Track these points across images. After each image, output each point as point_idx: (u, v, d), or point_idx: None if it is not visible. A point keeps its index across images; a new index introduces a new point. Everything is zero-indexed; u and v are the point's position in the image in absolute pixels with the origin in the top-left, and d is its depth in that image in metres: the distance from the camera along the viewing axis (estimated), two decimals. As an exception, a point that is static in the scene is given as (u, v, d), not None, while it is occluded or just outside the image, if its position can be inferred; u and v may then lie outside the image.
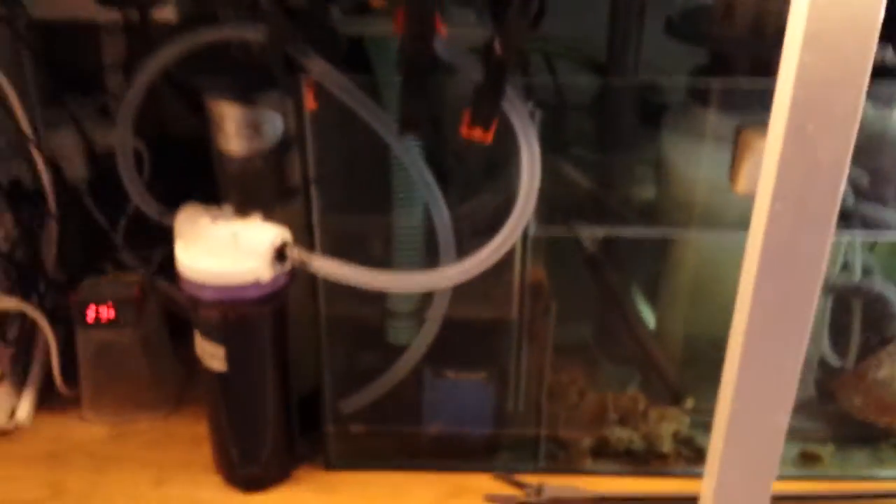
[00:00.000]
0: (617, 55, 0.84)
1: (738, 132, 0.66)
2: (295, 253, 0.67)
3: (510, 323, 0.74)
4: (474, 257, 0.64)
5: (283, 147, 0.74)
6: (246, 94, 0.70)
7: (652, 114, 0.85)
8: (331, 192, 0.70)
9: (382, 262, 0.74)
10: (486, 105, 0.60)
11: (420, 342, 0.73)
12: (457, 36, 0.65)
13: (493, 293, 0.72)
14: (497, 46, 0.58)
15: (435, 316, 0.73)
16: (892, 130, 0.92)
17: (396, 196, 0.74)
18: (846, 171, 0.55)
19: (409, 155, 0.66)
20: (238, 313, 0.69)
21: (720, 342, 0.65)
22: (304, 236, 0.70)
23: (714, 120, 0.78)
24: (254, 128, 0.71)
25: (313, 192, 0.69)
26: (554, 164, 0.84)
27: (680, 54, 0.83)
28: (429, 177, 0.67)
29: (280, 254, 0.67)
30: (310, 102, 0.67)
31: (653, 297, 0.90)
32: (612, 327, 0.88)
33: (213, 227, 0.68)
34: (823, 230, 0.56)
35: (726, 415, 0.63)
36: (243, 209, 0.71)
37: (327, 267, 0.67)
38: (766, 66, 0.78)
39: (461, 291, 0.72)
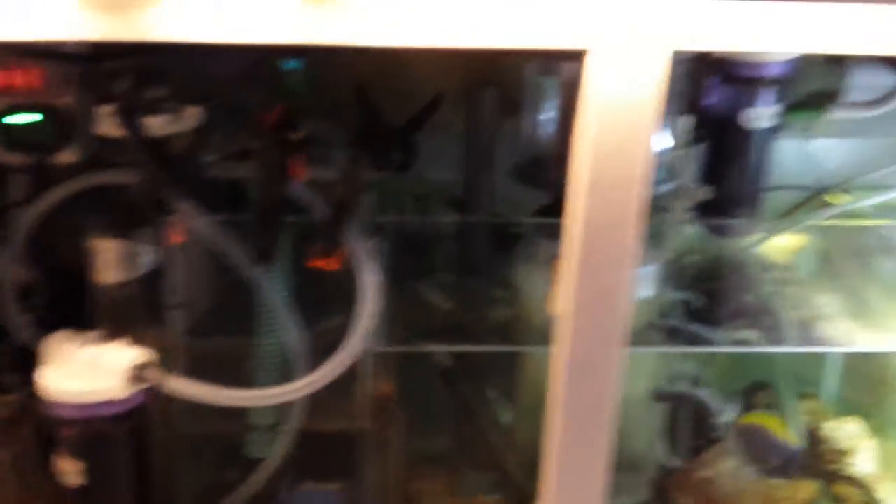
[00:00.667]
0: (471, 194, 0.93)
1: (553, 262, 0.74)
2: (152, 373, 0.72)
3: (361, 434, 0.79)
4: (316, 373, 0.71)
5: (155, 276, 0.79)
6: (121, 230, 0.76)
7: (506, 244, 0.94)
8: (196, 316, 0.76)
9: (248, 379, 0.79)
10: (328, 239, 0.68)
11: (274, 455, 0.78)
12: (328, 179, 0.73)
13: (344, 406, 0.78)
14: (339, 191, 0.67)
15: (288, 429, 0.78)
16: (725, 259, 1.04)
17: (256, 319, 0.80)
18: (627, 294, 0.63)
19: (263, 283, 0.73)
20: (96, 430, 0.73)
21: None
22: (165, 358, 0.75)
23: (553, 250, 0.88)
24: (126, 260, 0.77)
25: (175, 316, 0.74)
26: (416, 288, 0.92)
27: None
28: (279, 302, 0.73)
29: (138, 374, 0.72)
30: (176, 237, 0.73)
31: (508, 407, 0.96)
32: (469, 436, 0.94)
33: (77, 350, 0.73)
34: (613, 345, 0.65)
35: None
36: (112, 334, 0.76)
37: (181, 386, 0.72)
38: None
39: (316, 404, 0.77)
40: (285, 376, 0.77)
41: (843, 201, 1.09)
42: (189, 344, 0.76)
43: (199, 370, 0.75)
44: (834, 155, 1.12)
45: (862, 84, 1.08)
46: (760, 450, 0.90)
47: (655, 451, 0.93)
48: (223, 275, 0.77)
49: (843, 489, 0.89)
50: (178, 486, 0.80)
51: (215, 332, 0.79)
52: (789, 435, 0.93)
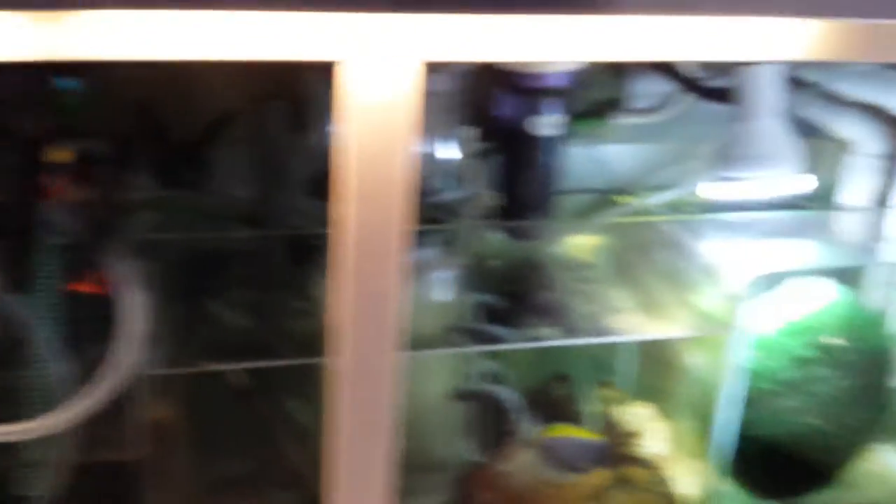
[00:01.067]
0: (265, 209, 0.93)
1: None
2: None
3: (139, 464, 0.77)
4: (78, 402, 0.68)
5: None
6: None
7: (306, 257, 0.94)
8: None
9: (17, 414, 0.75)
10: (86, 261, 0.66)
11: (45, 491, 0.75)
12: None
13: (119, 435, 0.75)
14: (94, 208, 0.64)
15: (58, 462, 0.74)
16: (524, 260, 1.09)
17: (21, 348, 0.76)
18: (397, 299, 0.65)
19: (19, 311, 0.70)
20: None
21: None
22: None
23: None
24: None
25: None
26: (210, 307, 0.91)
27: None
28: (41, 330, 0.70)
29: None
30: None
31: (312, 423, 0.96)
32: (272, 456, 0.93)
33: None
34: (387, 350, 0.66)
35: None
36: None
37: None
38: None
39: (90, 435, 0.74)
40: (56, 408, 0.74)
41: (630, 202, 1.17)
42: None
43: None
44: (622, 159, 1.20)
45: (643, 92, 1.17)
46: (572, 456, 0.95)
47: (458, 450, 0.96)
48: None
49: (633, 472, 0.94)
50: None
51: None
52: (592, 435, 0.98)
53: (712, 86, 1.03)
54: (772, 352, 0.91)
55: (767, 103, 0.92)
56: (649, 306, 1.01)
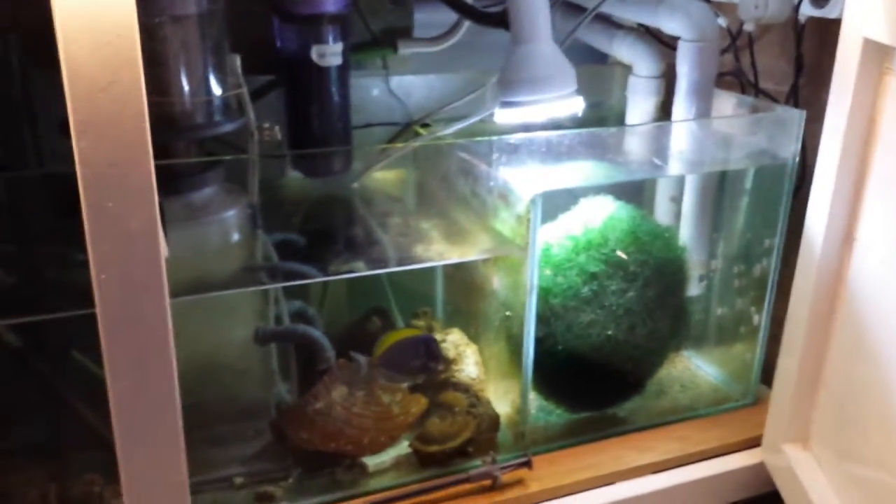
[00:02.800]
0: (13, 153, 0.84)
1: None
2: None
3: None
4: None
5: None
6: None
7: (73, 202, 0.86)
8: None
9: None
10: None
11: None
12: None
13: None
14: None
15: None
16: (326, 197, 1.06)
17: None
18: (157, 236, 0.61)
19: None
20: None
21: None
22: None
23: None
24: None
25: None
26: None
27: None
28: None
29: None
30: None
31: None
32: (65, 416, 0.87)
33: None
34: (153, 291, 0.62)
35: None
36: None
37: None
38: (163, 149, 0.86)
39: None
40: None
41: (427, 132, 1.16)
42: None
43: None
44: (414, 90, 1.19)
45: (427, 21, 1.16)
46: (404, 358, 0.95)
47: (270, 393, 0.93)
48: None
49: (450, 396, 0.95)
50: None
51: None
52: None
53: (489, 12, 1.02)
54: (563, 269, 0.94)
55: (540, 27, 0.93)
56: (453, 233, 1.01)
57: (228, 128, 0.86)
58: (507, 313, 0.96)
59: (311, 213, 1.06)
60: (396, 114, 1.18)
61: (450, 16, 1.14)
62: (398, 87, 1.18)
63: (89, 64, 0.55)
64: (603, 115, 1.26)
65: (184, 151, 0.88)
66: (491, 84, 1.13)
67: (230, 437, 0.92)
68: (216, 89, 0.86)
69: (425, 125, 1.19)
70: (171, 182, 0.86)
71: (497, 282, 0.97)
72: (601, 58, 1.26)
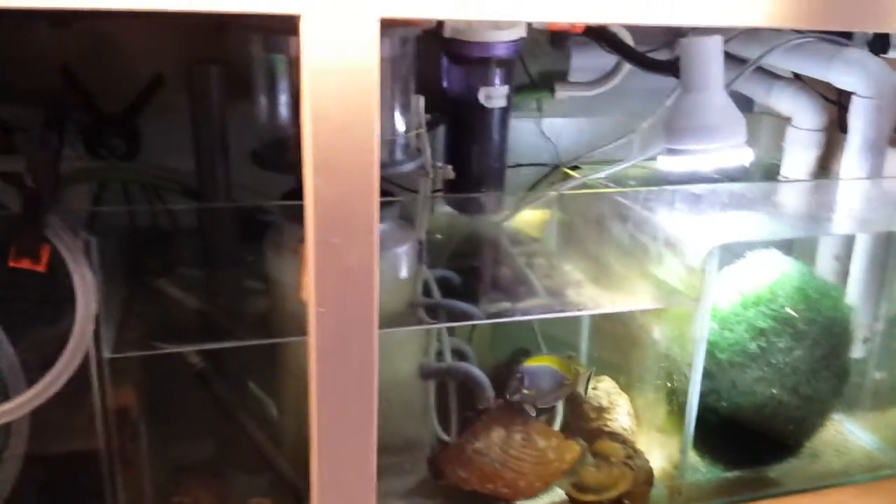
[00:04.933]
0: (207, 181, 0.88)
1: (299, 246, 0.72)
2: None
3: (98, 453, 0.72)
4: (30, 391, 0.62)
5: None
6: None
7: (254, 232, 0.90)
8: None
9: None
10: (28, 237, 0.60)
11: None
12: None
13: (75, 424, 0.70)
14: (28, 180, 0.58)
15: (13, 454, 0.68)
16: (477, 235, 1.07)
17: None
18: (375, 272, 0.62)
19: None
20: None
21: None
22: None
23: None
24: None
25: None
26: (156, 286, 0.85)
27: (275, 177, 0.89)
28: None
29: None
30: None
31: (271, 403, 0.92)
32: (232, 439, 0.89)
33: None
34: (366, 325, 0.63)
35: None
36: None
37: None
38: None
39: (43, 426, 0.69)
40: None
41: (578, 175, 1.16)
42: None
43: None
44: (565, 133, 1.19)
45: (584, 66, 1.17)
46: (542, 383, 0.93)
47: (428, 428, 0.94)
48: None
49: (605, 445, 0.94)
50: None
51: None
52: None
53: (656, 58, 1.03)
54: (730, 323, 0.92)
55: (712, 76, 0.92)
56: (605, 279, 1.00)
57: (409, 167, 0.88)
58: (664, 364, 0.95)
59: (460, 249, 1.07)
60: (545, 155, 1.19)
61: (605, 60, 1.15)
62: (549, 128, 1.19)
63: (333, 105, 0.57)
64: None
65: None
66: (641, 129, 1.13)
67: (387, 470, 0.92)
68: (400, 128, 0.88)
69: (574, 167, 1.19)
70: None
71: (658, 332, 0.96)
72: (745, 105, 1.24)
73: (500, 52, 0.98)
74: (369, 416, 0.65)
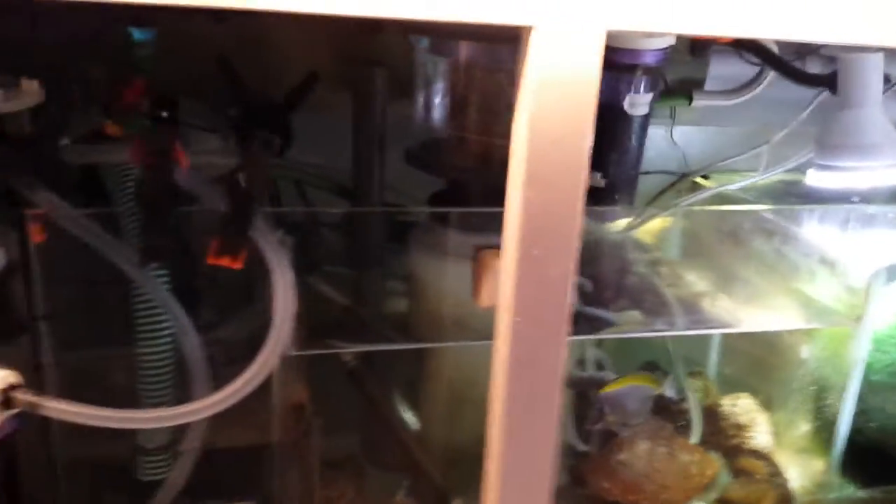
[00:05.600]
0: (362, 181, 0.88)
1: (476, 253, 0.72)
2: (23, 397, 0.61)
3: (272, 447, 0.72)
4: (231, 387, 0.63)
5: (2, 282, 0.68)
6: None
7: (399, 233, 0.90)
8: (65, 328, 0.65)
9: (127, 395, 0.70)
10: (234, 235, 0.61)
11: (175, 477, 0.70)
12: (200, 164, 0.65)
13: (253, 418, 0.71)
14: (242, 178, 0.59)
15: (190, 448, 0.69)
16: (604, 243, 1.06)
17: (139, 327, 0.71)
18: (571, 284, 0.62)
19: (151, 285, 0.65)
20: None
21: (480, 442, 0.68)
22: (32, 376, 0.65)
23: (454, 239, 0.85)
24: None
25: (42, 328, 0.64)
26: (309, 284, 0.86)
27: (421, 178, 0.89)
28: (175, 305, 0.65)
29: (6, 399, 0.61)
30: (36, 235, 0.63)
31: (415, 404, 0.93)
32: (378, 437, 0.90)
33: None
34: (559, 336, 0.63)
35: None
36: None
37: (62, 409, 0.62)
38: (495, 192, 0.88)
39: (219, 419, 0.70)
40: (177, 390, 0.69)
41: (708, 185, 1.15)
42: (59, 360, 0.65)
43: (74, 389, 0.65)
44: (695, 141, 1.17)
45: (721, 75, 1.15)
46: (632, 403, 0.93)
47: (568, 436, 0.93)
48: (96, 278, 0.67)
49: (748, 462, 0.92)
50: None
51: (89, 345, 0.69)
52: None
53: (816, 74, 1.00)
54: (886, 344, 0.90)
55: (872, 93, 0.90)
56: (742, 294, 0.98)
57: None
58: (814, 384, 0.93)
59: (587, 256, 1.06)
60: (672, 163, 1.17)
61: (743, 70, 1.13)
62: (678, 136, 1.17)
63: (553, 116, 0.56)
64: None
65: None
66: (774, 141, 1.11)
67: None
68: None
69: (704, 176, 1.17)
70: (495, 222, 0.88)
71: (806, 351, 0.94)
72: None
73: (649, 59, 0.97)
74: (552, 426, 0.65)
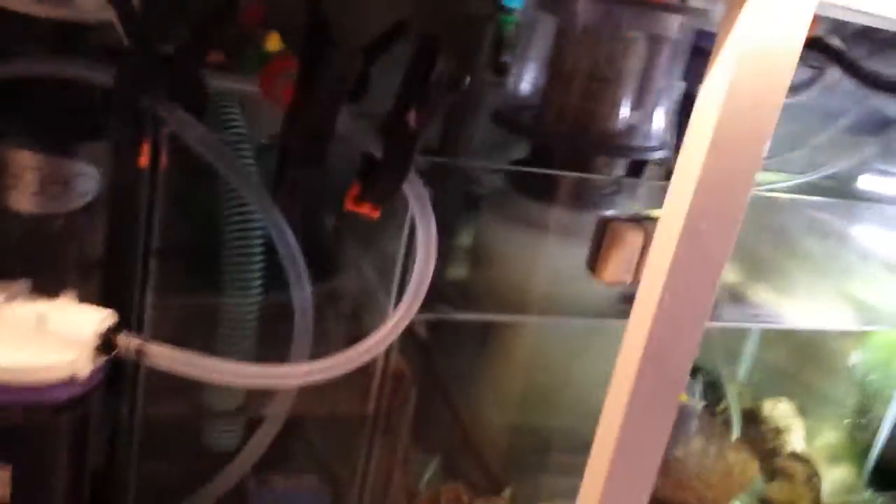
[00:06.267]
0: (449, 138, 0.82)
1: (603, 224, 0.67)
2: (127, 341, 0.53)
3: (364, 419, 0.66)
4: (355, 349, 0.56)
5: (91, 210, 0.60)
6: (57, 143, 0.56)
7: (471, 200, 0.85)
8: (171, 266, 0.58)
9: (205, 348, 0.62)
10: (386, 181, 0.54)
11: (253, 446, 0.63)
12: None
13: (348, 386, 0.64)
14: (412, 118, 0.52)
15: (276, 415, 0.62)
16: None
17: (230, 275, 0.64)
18: (724, 265, 0.58)
19: (276, 225, 0.57)
20: (37, 420, 0.53)
21: (543, 430, 0.64)
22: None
23: (534, 209, 0.80)
24: (62, 184, 0.56)
25: (151, 266, 0.56)
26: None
27: (499, 147, 0.84)
28: (296, 250, 0.58)
29: (107, 342, 0.53)
30: (144, 159, 0.55)
31: (472, 384, 0.87)
32: (431, 416, 0.84)
33: (9, 307, 0.52)
34: (701, 322, 0.59)
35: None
36: (49, 285, 0.55)
37: (171, 359, 0.54)
38: (582, 161, 0.84)
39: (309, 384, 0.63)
40: (277, 345, 0.62)
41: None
42: (157, 302, 0.58)
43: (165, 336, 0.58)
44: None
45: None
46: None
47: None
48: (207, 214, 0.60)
49: (787, 464, 0.91)
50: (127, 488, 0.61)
51: (192, 288, 0.62)
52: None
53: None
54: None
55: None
56: (780, 289, 0.97)
57: (660, 154, 0.84)
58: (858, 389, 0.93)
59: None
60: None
61: (800, 71, 1.12)
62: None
63: (752, 85, 0.52)
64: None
65: (604, 168, 0.85)
66: (813, 144, 1.10)
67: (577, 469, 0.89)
68: (661, 115, 0.84)
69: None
70: (590, 195, 0.83)
71: (856, 357, 0.93)
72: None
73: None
74: (671, 416, 0.62)
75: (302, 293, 0.59)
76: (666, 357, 0.59)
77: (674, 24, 0.79)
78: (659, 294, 0.57)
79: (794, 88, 1.13)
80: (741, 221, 0.57)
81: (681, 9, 0.85)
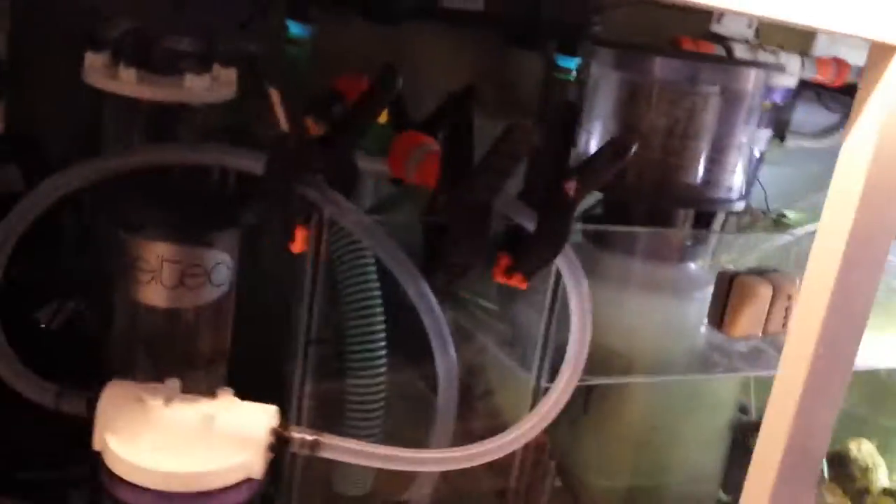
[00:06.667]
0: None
1: (729, 279, 0.67)
2: (301, 436, 0.51)
3: (504, 493, 0.64)
4: (526, 422, 0.55)
5: (224, 301, 0.58)
6: (195, 233, 0.54)
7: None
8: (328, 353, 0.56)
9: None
10: (541, 252, 0.53)
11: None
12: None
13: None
14: (571, 188, 0.52)
15: (418, 497, 0.60)
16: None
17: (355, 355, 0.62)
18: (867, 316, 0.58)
19: (424, 298, 0.56)
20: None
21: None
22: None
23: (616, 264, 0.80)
24: (199, 275, 0.55)
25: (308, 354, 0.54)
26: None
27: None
28: (443, 322, 0.57)
29: (280, 438, 0.50)
30: (298, 245, 0.54)
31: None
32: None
33: (170, 409, 0.50)
34: (849, 368, 0.59)
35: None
36: (195, 383, 0.53)
37: (345, 450, 0.52)
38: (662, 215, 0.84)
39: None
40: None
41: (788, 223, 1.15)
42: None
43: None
44: (771, 181, 1.18)
45: (805, 119, 1.17)
46: None
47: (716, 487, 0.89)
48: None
49: (882, 500, 0.92)
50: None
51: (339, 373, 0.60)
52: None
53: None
54: None
55: None
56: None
57: (740, 205, 0.85)
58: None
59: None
60: (751, 199, 1.18)
61: (825, 117, 1.16)
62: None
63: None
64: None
65: (683, 221, 0.86)
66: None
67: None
68: (739, 166, 0.85)
69: (781, 214, 1.18)
70: (668, 250, 0.84)
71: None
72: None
73: (776, 97, 0.98)
74: (819, 460, 0.62)
75: (447, 363, 0.57)
76: (817, 407, 0.59)
77: (749, 78, 0.81)
78: (813, 346, 0.57)
79: (827, 131, 1.17)
80: (881, 273, 0.57)
81: (756, 63, 0.88)
